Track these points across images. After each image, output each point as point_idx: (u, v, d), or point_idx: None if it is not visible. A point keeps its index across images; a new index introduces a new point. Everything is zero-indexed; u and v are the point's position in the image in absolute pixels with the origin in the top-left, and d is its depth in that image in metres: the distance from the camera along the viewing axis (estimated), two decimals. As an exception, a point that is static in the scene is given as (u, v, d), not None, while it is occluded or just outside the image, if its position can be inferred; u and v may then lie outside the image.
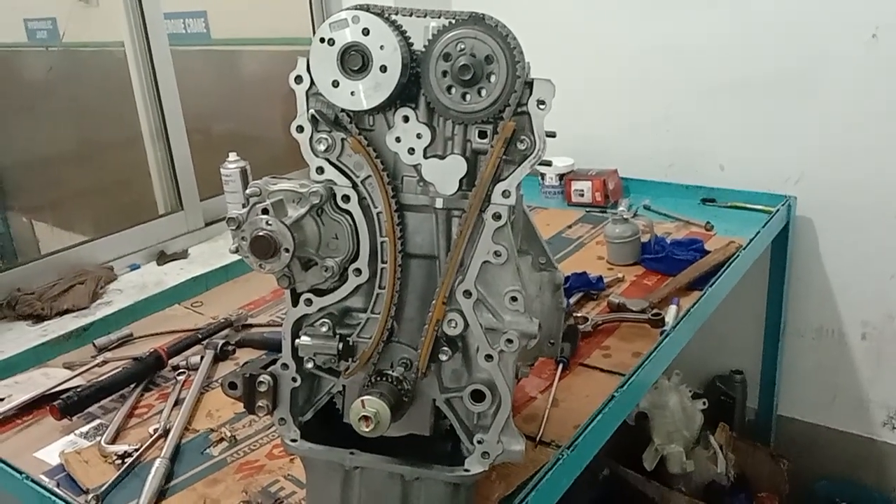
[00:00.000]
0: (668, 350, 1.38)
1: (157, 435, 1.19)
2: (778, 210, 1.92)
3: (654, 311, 1.46)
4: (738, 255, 1.67)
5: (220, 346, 1.45)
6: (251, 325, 1.58)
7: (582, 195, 2.09)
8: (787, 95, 1.97)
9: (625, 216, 1.72)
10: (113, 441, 1.20)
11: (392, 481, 0.89)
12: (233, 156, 1.99)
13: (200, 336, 1.49)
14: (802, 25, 1.89)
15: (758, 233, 1.80)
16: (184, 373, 1.39)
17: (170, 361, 1.41)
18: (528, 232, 1.05)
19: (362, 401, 0.82)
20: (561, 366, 1.30)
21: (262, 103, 2.59)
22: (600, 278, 1.60)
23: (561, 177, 2.16)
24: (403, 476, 0.89)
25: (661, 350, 1.35)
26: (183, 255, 2.00)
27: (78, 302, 1.70)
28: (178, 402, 1.29)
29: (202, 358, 1.42)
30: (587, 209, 2.07)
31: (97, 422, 1.26)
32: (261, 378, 0.90)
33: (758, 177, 2.05)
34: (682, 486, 2.02)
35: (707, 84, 2.08)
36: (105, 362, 1.44)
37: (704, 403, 2.02)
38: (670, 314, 1.48)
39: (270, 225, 0.80)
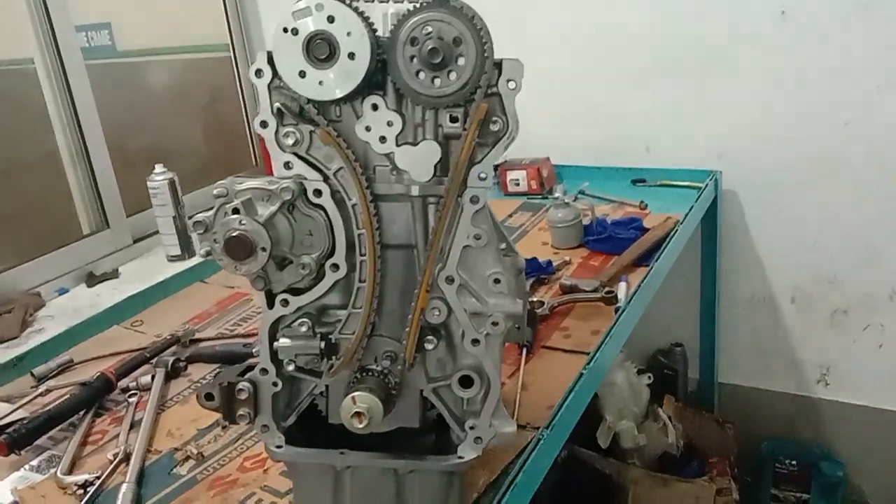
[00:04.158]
0: (624, 325, 1.41)
1: (117, 460, 1.13)
2: (707, 185, 1.99)
3: (607, 289, 1.49)
4: (676, 230, 1.73)
5: (171, 363, 1.39)
6: (199, 340, 1.53)
7: (518, 184, 2.12)
8: (704, 75, 2.05)
9: (566, 200, 1.75)
10: (69, 471, 1.13)
11: (385, 477, 0.88)
12: (159, 167, 1.92)
13: (148, 355, 1.43)
14: (715, 6, 1.97)
15: (692, 207, 1.86)
16: (135, 394, 1.33)
17: (119, 384, 1.35)
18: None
19: (353, 397, 0.80)
20: (525, 350, 1.31)
21: (180, 114, 2.51)
22: (549, 262, 1.62)
23: (495, 168, 2.17)
24: (397, 470, 0.87)
25: (619, 326, 1.38)
26: (113, 274, 1.91)
27: (7, 332, 1.61)
28: (133, 425, 1.24)
29: (153, 377, 1.36)
30: (524, 197, 2.09)
31: (48, 453, 1.19)
32: (240, 385, 0.87)
33: (683, 155, 2.12)
34: (636, 460, 2.08)
35: (628, 68, 2.14)
36: (48, 391, 1.36)
37: (650, 378, 2.08)
38: (621, 291, 1.51)
39: (244, 224, 0.77)
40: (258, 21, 2.44)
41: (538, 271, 1.59)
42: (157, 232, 1.97)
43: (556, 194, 1.80)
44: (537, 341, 1.37)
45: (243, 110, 2.47)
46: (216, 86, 2.53)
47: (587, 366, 1.23)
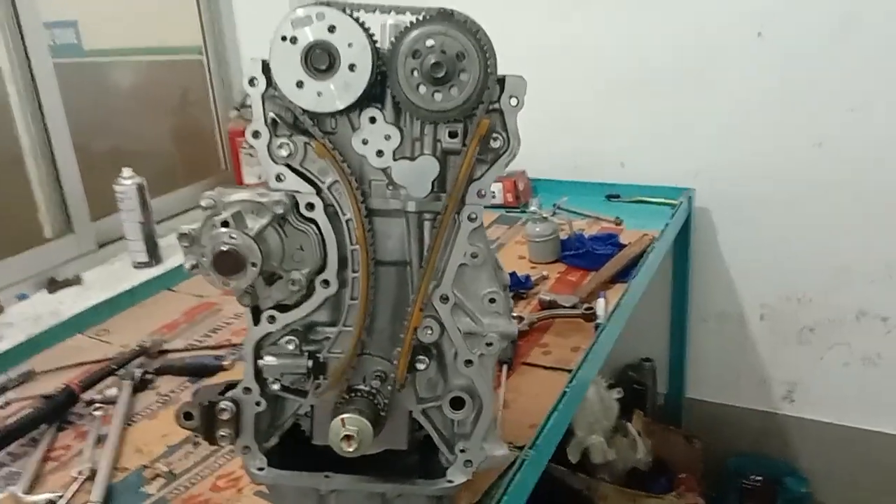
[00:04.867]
0: (605, 342, 1.40)
1: (83, 478, 1.08)
2: (681, 202, 2.01)
3: (586, 305, 1.48)
4: (653, 247, 1.73)
5: (138, 375, 1.34)
6: (168, 351, 1.48)
7: (494, 197, 2.08)
8: (680, 93, 2.06)
9: (544, 215, 1.74)
10: (30, 490, 1.08)
11: (371, 501, 0.85)
12: (127, 171, 1.86)
13: (114, 366, 1.37)
14: (693, 25, 1.99)
15: (667, 224, 1.87)
16: (101, 408, 1.27)
17: (83, 396, 1.29)
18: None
19: (342, 419, 0.77)
20: (505, 367, 1.30)
21: (148, 117, 2.44)
22: (528, 277, 1.61)
23: (470, 179, 2.15)
24: (385, 495, 0.85)
25: (600, 343, 1.37)
26: (76, 281, 1.84)
27: (-37, 340, 1.53)
28: (99, 440, 1.18)
29: (120, 390, 1.31)
30: (500, 210, 2.08)
31: (6, 470, 1.13)
32: (222, 405, 0.83)
33: (657, 172, 2.14)
34: (605, 475, 2.07)
35: (605, 84, 2.14)
36: (7, 403, 1.31)
37: (620, 392, 2.08)
38: (600, 307, 1.51)
39: (235, 238, 0.74)
40: (233, 24, 2.39)
41: (516, 286, 1.58)
42: (123, 237, 1.91)
43: (532, 208, 1.80)
44: (517, 357, 1.35)
45: (214, 114, 2.42)
46: (186, 89, 2.47)
47: (569, 384, 1.22)
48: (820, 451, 2.18)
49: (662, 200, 2.07)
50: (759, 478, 2.18)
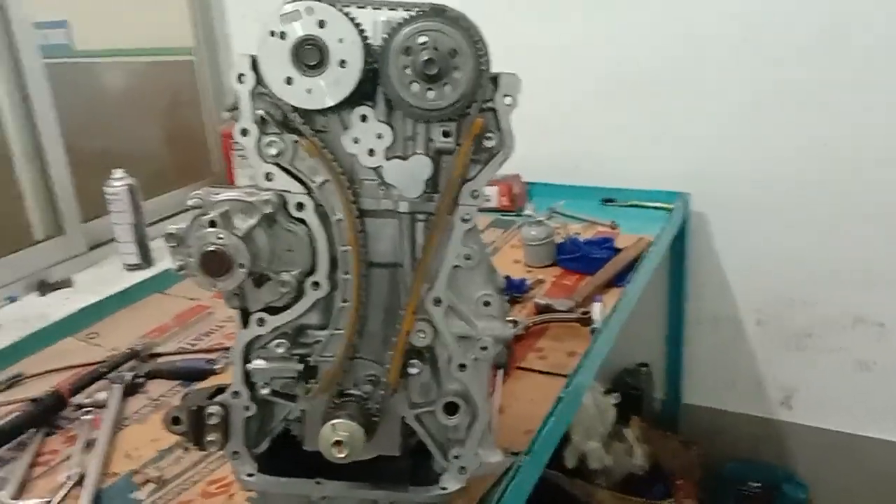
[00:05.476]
0: (601, 347, 1.39)
1: (71, 483, 1.06)
2: (677, 207, 1.99)
3: (583, 309, 1.46)
4: (649, 251, 1.72)
5: (128, 379, 1.33)
6: (159, 355, 1.46)
7: (489, 200, 2.09)
8: (677, 97, 2.04)
9: (540, 218, 1.73)
10: (18, 496, 1.06)
11: (362, 508, 0.84)
12: (118, 172, 1.84)
13: (104, 370, 1.35)
14: (687, 24, 1.97)
15: (664, 228, 1.85)
16: (90, 411, 1.25)
17: (72, 400, 1.27)
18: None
19: (332, 425, 0.76)
20: (501, 371, 1.28)
21: (139, 118, 2.43)
22: (523, 281, 1.60)
23: (466, 183, 2.14)
24: (377, 502, 0.83)
25: (596, 348, 1.36)
26: (66, 283, 1.83)
27: (-50, 343, 1.51)
28: (88, 445, 1.17)
29: (110, 394, 1.29)
30: (496, 214, 2.07)
31: (-7, 475, 1.12)
32: (210, 409, 0.81)
33: (653, 176, 2.12)
34: (602, 481, 2.06)
35: (599, 87, 2.13)
36: (-5, 407, 1.29)
37: (616, 398, 2.07)
38: (596, 312, 1.49)
39: (222, 238, 0.72)
40: (224, 25, 2.38)
41: (512, 290, 1.56)
42: (113, 240, 1.89)
43: (528, 212, 1.78)
44: (512, 362, 1.34)
45: (206, 116, 2.40)
46: (177, 90, 2.45)
47: (565, 389, 1.21)
48: (818, 457, 2.16)
49: (658, 204, 2.05)
50: (758, 484, 2.16)
